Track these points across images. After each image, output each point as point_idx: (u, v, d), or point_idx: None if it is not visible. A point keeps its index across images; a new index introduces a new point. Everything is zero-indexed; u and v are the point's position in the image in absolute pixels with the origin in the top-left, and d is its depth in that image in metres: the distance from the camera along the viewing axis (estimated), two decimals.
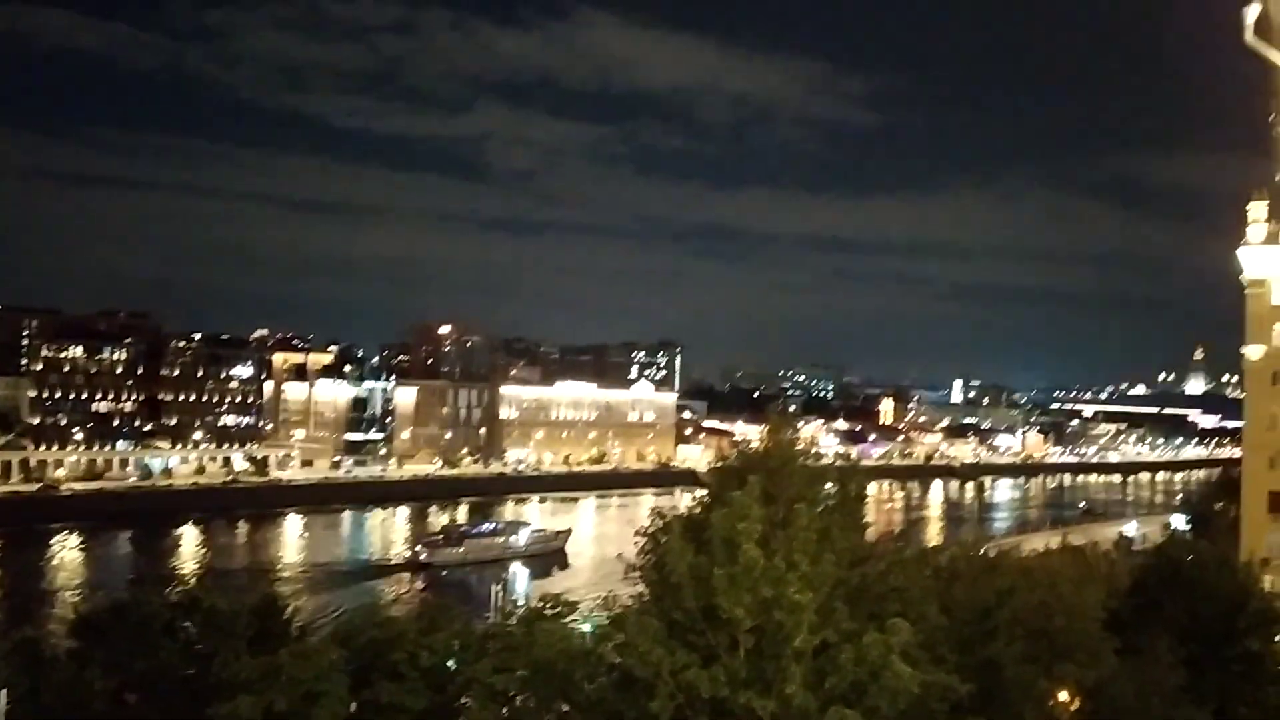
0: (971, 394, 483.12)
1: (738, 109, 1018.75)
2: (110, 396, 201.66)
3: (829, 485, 32.81)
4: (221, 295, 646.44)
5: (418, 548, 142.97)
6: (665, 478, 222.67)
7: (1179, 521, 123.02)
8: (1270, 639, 40.84)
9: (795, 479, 30.46)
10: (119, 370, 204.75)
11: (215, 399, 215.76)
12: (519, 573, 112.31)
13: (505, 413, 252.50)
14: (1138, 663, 35.41)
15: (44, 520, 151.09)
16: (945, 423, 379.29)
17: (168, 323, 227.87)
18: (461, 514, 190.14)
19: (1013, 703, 31.22)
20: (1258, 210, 71.83)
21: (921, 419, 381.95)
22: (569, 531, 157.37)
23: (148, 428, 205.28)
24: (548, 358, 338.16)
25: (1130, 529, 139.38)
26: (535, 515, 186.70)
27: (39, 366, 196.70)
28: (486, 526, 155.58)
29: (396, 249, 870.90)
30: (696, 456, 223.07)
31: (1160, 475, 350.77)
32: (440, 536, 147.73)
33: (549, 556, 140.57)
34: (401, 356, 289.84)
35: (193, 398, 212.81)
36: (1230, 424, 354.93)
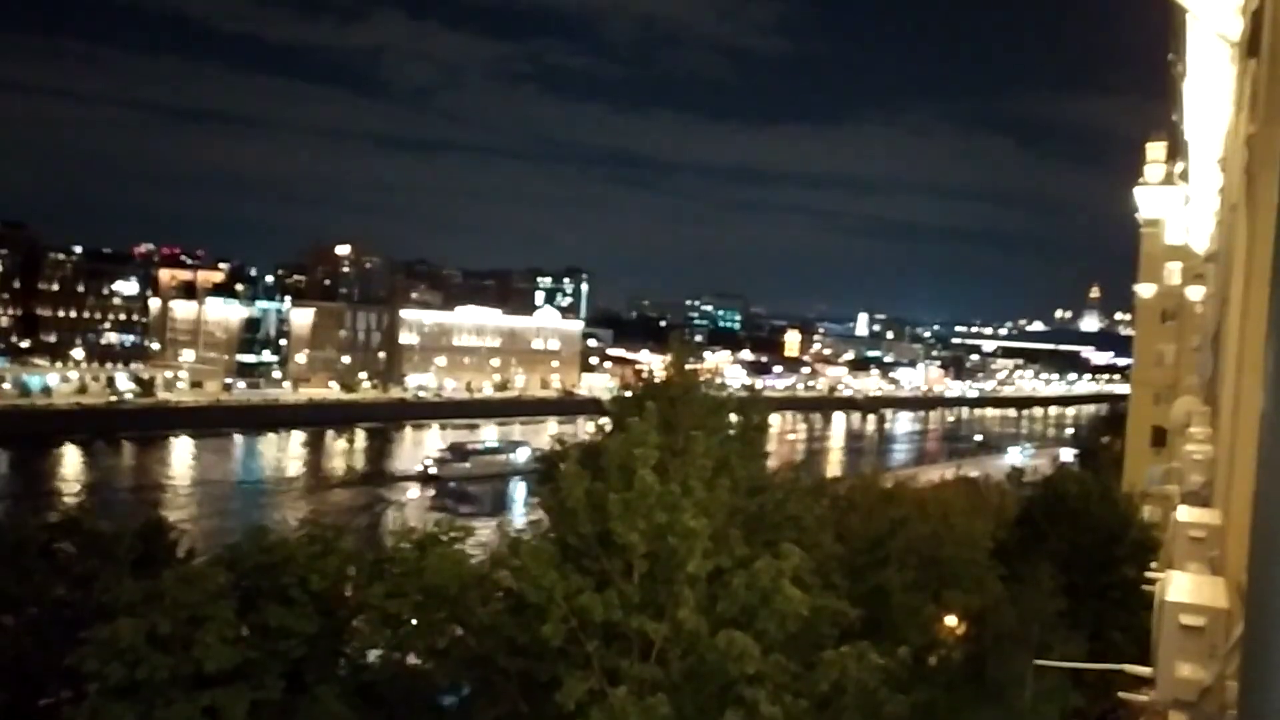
0: (876, 328, 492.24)
1: (645, 30, 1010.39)
2: None
3: (730, 415, 32.95)
4: (102, 207, 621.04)
5: (428, 462, 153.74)
6: (569, 406, 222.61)
7: (1067, 454, 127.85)
8: (1145, 567, 42.47)
9: (695, 408, 30.46)
10: None
11: (97, 316, 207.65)
12: (519, 486, 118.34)
13: (405, 337, 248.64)
14: (1020, 590, 36.55)
15: None
16: (849, 356, 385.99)
17: (45, 235, 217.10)
18: (359, 440, 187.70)
19: (900, 627, 32.05)
20: (1155, 151, 73.42)
21: (826, 351, 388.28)
22: None
23: (25, 344, 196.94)
24: (450, 282, 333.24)
25: (1019, 459, 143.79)
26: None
27: None
28: (491, 444, 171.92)
29: (289, 165, 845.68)
30: (601, 385, 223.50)
31: (1053, 410, 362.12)
32: (449, 452, 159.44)
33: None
34: (297, 276, 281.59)
35: (73, 314, 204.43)
36: (1121, 361, 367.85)
